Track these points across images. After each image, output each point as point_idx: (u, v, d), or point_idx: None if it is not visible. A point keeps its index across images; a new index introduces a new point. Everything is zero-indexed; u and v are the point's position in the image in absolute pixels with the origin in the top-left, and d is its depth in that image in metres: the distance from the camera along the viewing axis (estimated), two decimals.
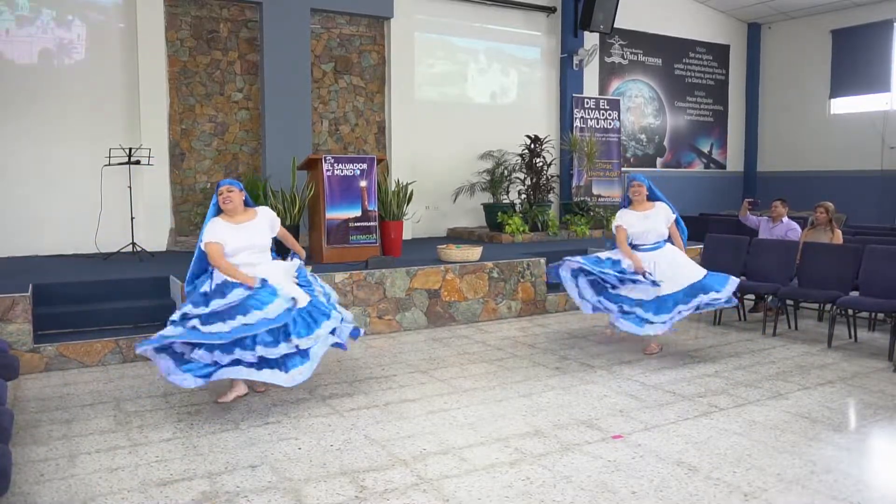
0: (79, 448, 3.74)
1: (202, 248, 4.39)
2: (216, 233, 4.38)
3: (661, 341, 5.95)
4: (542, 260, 7.52)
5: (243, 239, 4.41)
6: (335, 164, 7.24)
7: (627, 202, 5.82)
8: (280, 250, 4.97)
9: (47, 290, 5.81)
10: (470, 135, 10.78)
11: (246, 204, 4.60)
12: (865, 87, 12.67)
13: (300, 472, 3.41)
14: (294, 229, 7.42)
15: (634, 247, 5.67)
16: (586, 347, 5.94)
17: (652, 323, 5.39)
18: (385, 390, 4.77)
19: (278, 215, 7.21)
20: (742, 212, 7.83)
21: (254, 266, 4.41)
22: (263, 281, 4.26)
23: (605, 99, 12.03)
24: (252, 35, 9.18)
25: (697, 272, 5.58)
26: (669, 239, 5.76)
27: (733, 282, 5.58)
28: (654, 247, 5.65)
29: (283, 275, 4.46)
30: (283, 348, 4.10)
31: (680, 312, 5.43)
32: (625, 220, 5.69)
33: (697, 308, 5.49)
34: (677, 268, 5.57)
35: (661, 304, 5.43)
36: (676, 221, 5.81)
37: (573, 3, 11.31)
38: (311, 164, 7.48)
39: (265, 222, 4.57)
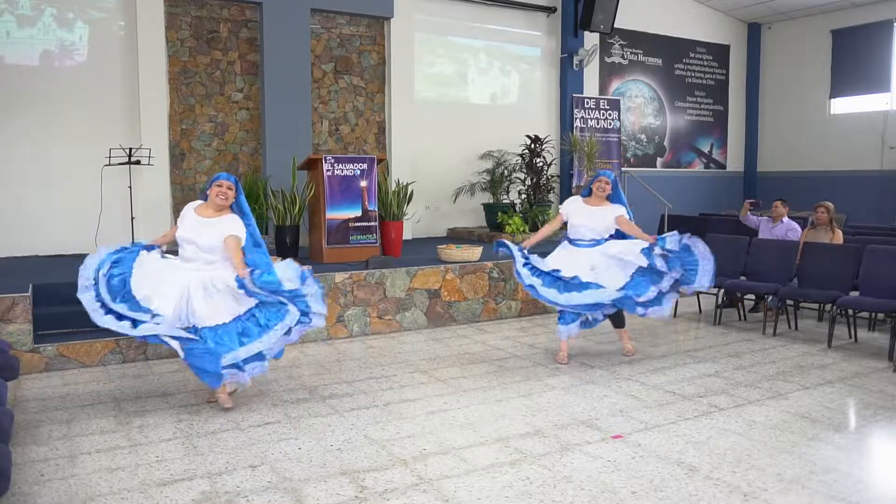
0: (79, 448, 3.74)
1: None
2: (182, 215, 4.41)
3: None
4: None
5: (195, 232, 4.26)
6: (335, 164, 7.24)
7: (588, 192, 5.58)
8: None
9: (47, 290, 5.81)
10: (470, 135, 10.77)
11: (233, 207, 4.43)
12: (865, 87, 12.66)
13: (300, 472, 3.42)
14: (294, 229, 7.43)
15: (571, 241, 5.49)
16: (586, 347, 5.94)
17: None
18: (385, 390, 4.77)
19: (278, 216, 7.32)
20: (742, 212, 7.83)
21: (192, 264, 4.29)
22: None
23: (605, 99, 12.03)
24: (252, 35, 9.18)
25: (640, 258, 5.35)
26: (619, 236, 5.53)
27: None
28: (591, 244, 5.43)
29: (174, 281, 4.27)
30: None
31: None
32: (570, 208, 5.51)
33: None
34: (610, 266, 5.37)
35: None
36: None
37: (573, 3, 11.30)
38: (312, 164, 7.48)
39: (224, 226, 4.31)
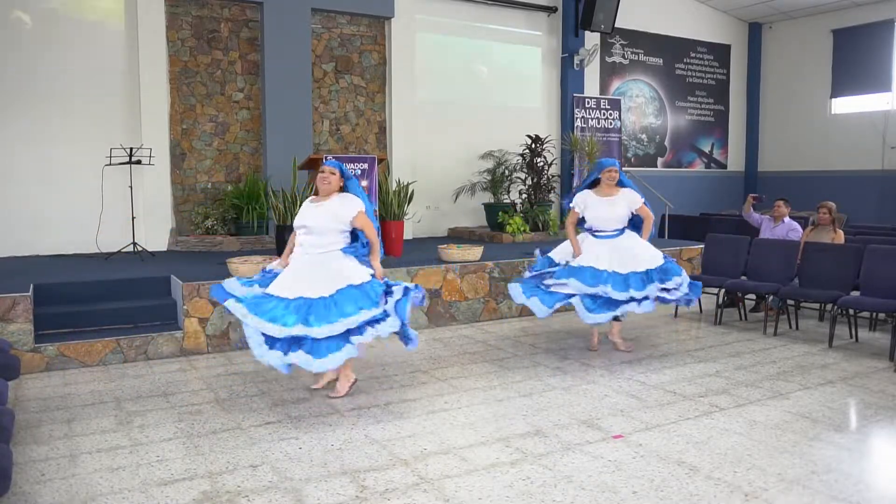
0: (80, 448, 3.74)
1: None
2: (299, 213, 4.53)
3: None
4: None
5: (309, 218, 4.40)
6: (328, 162, 7.22)
7: (589, 184, 5.71)
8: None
9: (48, 290, 5.81)
10: (470, 135, 10.78)
11: (346, 189, 4.55)
12: (866, 86, 12.66)
13: (301, 472, 3.42)
14: None
15: (594, 232, 5.62)
16: (587, 347, 5.93)
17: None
18: (385, 390, 4.77)
19: (279, 215, 7.31)
20: (746, 207, 7.79)
21: (307, 249, 4.39)
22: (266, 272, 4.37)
23: (605, 99, 12.02)
24: (253, 35, 9.18)
25: (657, 258, 5.51)
26: (632, 228, 5.70)
27: (685, 275, 5.58)
28: (614, 234, 5.58)
29: (311, 274, 4.28)
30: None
31: (634, 299, 5.34)
32: (586, 202, 5.60)
33: (658, 299, 5.42)
34: (635, 255, 5.49)
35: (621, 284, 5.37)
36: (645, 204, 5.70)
37: (574, 3, 11.30)
38: (312, 164, 7.48)
39: (337, 206, 4.42)
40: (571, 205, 5.73)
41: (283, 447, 3.74)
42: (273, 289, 4.29)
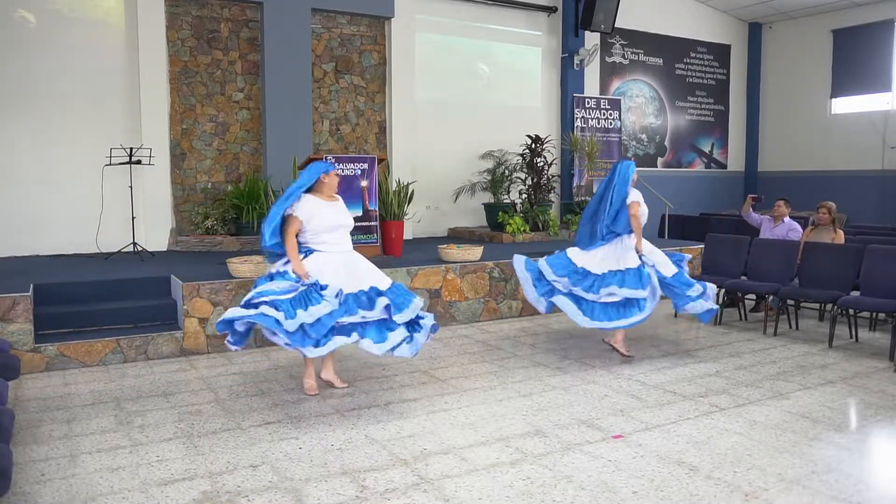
0: (80, 448, 3.74)
1: (286, 212, 4.43)
2: (307, 209, 4.43)
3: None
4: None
5: (336, 218, 4.52)
6: (336, 164, 7.23)
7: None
8: None
9: (48, 290, 5.81)
10: (470, 135, 10.78)
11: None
12: (866, 86, 12.66)
13: (301, 472, 3.42)
14: None
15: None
16: (587, 347, 5.93)
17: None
18: (385, 390, 4.78)
19: None
20: (745, 208, 7.79)
21: (342, 246, 4.54)
22: (315, 282, 4.34)
23: (605, 99, 12.03)
24: (253, 35, 9.18)
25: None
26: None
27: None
28: None
29: (354, 270, 4.48)
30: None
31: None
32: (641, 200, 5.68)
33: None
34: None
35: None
36: None
37: (574, 3, 11.30)
38: None
39: (345, 206, 4.70)
40: (635, 199, 5.57)
41: (283, 447, 3.74)
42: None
